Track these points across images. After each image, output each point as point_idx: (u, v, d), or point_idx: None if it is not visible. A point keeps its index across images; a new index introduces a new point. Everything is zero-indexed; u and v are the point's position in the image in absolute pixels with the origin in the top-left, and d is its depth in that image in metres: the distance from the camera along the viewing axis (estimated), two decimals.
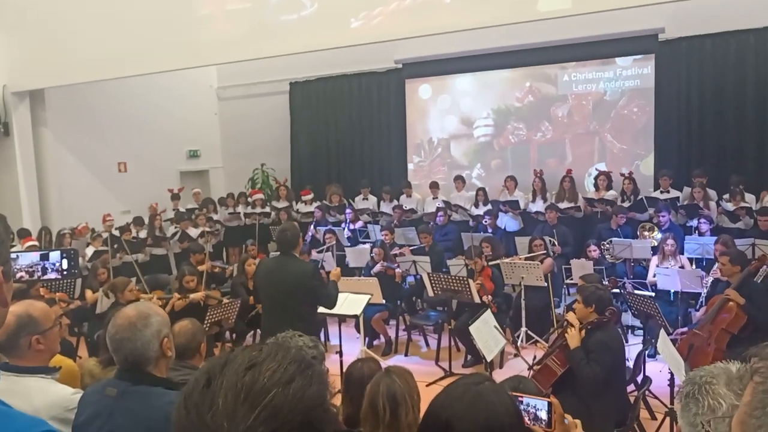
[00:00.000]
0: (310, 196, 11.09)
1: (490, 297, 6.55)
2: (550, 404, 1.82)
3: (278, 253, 5.06)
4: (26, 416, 1.10)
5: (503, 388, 1.65)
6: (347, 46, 8.16)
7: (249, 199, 11.32)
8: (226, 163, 13.53)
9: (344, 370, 3.13)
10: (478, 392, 1.52)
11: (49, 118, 10.57)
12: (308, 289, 4.61)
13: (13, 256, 2.35)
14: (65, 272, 2.48)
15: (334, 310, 5.52)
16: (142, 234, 9.82)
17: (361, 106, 12.03)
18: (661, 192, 8.68)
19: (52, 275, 2.46)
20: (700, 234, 7.73)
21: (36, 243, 8.52)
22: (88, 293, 7.07)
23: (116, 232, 9.42)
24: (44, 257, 2.45)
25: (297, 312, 4.55)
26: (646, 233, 7.80)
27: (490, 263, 7.05)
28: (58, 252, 2.48)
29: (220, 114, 13.48)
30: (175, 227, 10.15)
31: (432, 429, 1.51)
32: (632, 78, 9.83)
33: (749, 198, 8.11)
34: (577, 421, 1.97)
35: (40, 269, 2.41)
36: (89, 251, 8.68)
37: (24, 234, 8.70)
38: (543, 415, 1.80)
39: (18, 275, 2.34)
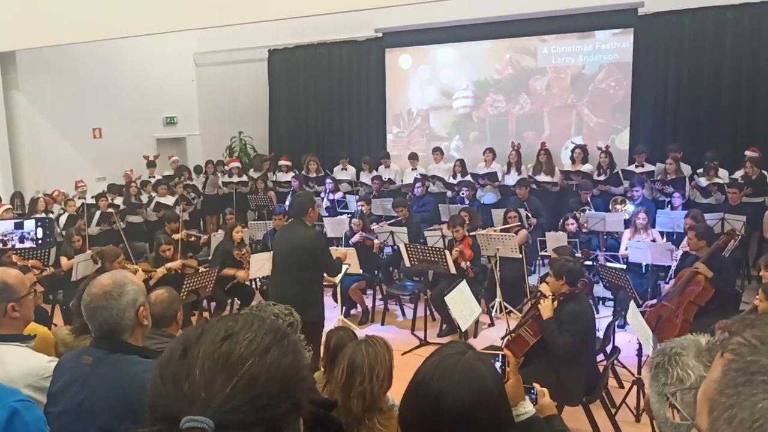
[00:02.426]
0: (289, 163, 11.07)
1: (468, 263, 6.62)
2: (503, 356, 1.87)
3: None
4: (0, 385, 1.10)
5: (486, 355, 1.67)
6: (327, 13, 8.04)
7: (225, 168, 11.23)
8: (204, 131, 13.33)
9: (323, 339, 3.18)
10: (467, 362, 1.54)
11: (21, 80, 10.30)
12: (309, 252, 4.66)
13: None
14: (40, 241, 2.46)
15: None
16: (118, 201, 9.71)
17: (341, 74, 11.91)
18: (636, 166, 8.79)
19: (27, 244, 2.43)
20: (673, 208, 7.87)
21: (10, 206, 8.38)
22: (63, 260, 7.00)
23: (92, 200, 9.30)
24: (19, 226, 2.42)
25: (295, 277, 4.62)
26: (618, 206, 7.91)
27: (469, 234, 7.12)
28: (33, 221, 2.44)
29: (197, 80, 13.23)
30: (150, 196, 10.03)
31: (423, 400, 1.52)
32: (610, 52, 9.85)
33: (722, 174, 8.24)
34: (545, 390, 2.03)
35: (16, 238, 2.38)
36: (63, 218, 8.57)
37: None
38: (497, 367, 1.86)
39: None
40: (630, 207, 7.81)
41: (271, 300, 4.73)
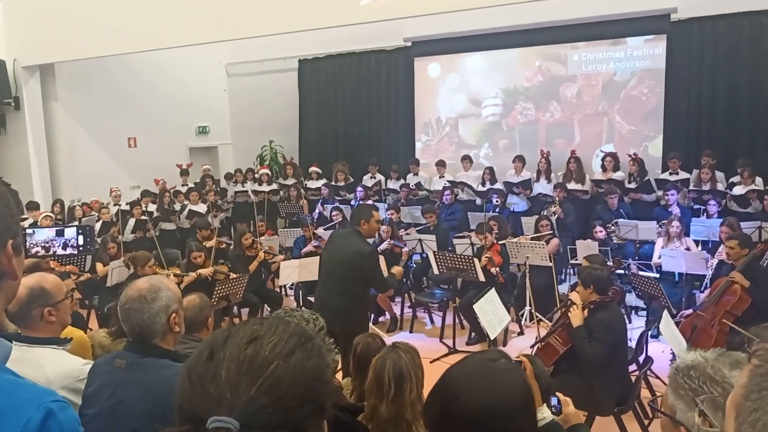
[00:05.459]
0: (318, 170, 11.19)
1: (498, 269, 6.59)
2: (519, 363, 1.86)
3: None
4: (37, 386, 1.12)
5: (518, 367, 1.63)
6: (357, 23, 8.11)
7: (256, 175, 11.38)
8: (235, 140, 13.56)
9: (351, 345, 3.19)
10: (495, 369, 1.52)
11: (60, 92, 10.62)
12: (359, 267, 4.61)
13: (29, 231, 2.40)
14: (81, 248, 2.53)
15: None
16: (151, 208, 9.91)
17: (370, 84, 11.99)
18: (670, 174, 8.65)
19: (68, 251, 2.51)
20: (708, 216, 7.71)
21: (49, 214, 8.61)
22: (99, 266, 7.16)
23: (126, 207, 9.50)
24: (60, 233, 2.49)
25: (342, 287, 4.61)
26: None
27: (498, 242, 7.08)
28: (74, 228, 2.52)
29: (229, 90, 13.47)
30: (182, 204, 10.21)
31: (440, 399, 1.51)
32: (643, 58, 9.72)
33: (758, 182, 8.04)
34: (568, 399, 2.00)
35: (57, 245, 2.46)
36: (98, 225, 8.78)
37: (33, 207, 8.80)
38: None
39: (34, 250, 2.39)
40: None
41: (315, 306, 4.76)
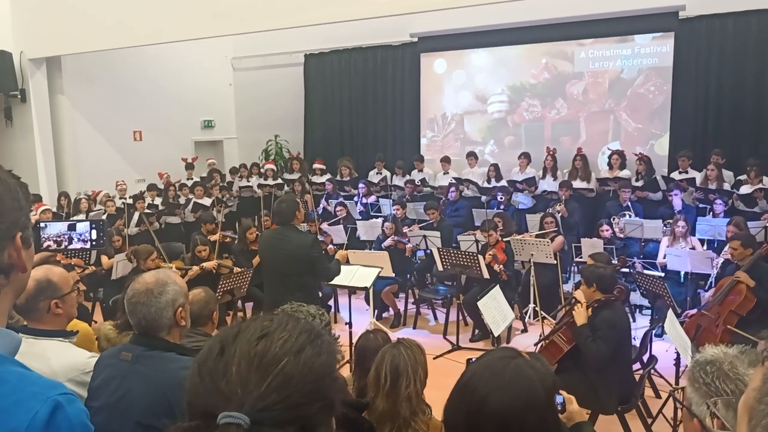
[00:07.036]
0: (323, 166, 11.17)
1: (501, 267, 6.59)
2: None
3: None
4: (44, 379, 1.12)
5: (536, 362, 1.60)
6: (363, 18, 8.09)
7: (261, 170, 11.38)
8: (240, 134, 13.56)
9: (354, 341, 3.19)
10: (517, 366, 1.50)
11: (66, 85, 10.63)
12: (307, 259, 4.63)
13: (42, 225, 2.40)
14: (93, 243, 2.51)
15: (345, 282, 5.61)
16: (157, 201, 9.93)
17: (376, 79, 11.97)
18: (680, 172, 8.59)
19: (79, 245, 2.49)
20: (715, 215, 7.68)
21: (48, 207, 8.64)
22: (104, 259, 7.20)
23: (130, 201, 9.52)
24: (72, 227, 2.47)
25: (296, 282, 4.59)
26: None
27: (503, 239, 7.08)
28: (87, 222, 2.50)
29: (234, 85, 13.47)
30: (187, 198, 10.22)
31: (469, 402, 1.49)
32: (650, 56, 9.68)
33: (765, 181, 8.00)
34: (572, 397, 2.00)
35: (67, 239, 2.45)
36: (103, 218, 8.80)
37: (35, 200, 8.82)
38: None
39: (45, 244, 2.38)
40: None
41: (267, 309, 4.74)
